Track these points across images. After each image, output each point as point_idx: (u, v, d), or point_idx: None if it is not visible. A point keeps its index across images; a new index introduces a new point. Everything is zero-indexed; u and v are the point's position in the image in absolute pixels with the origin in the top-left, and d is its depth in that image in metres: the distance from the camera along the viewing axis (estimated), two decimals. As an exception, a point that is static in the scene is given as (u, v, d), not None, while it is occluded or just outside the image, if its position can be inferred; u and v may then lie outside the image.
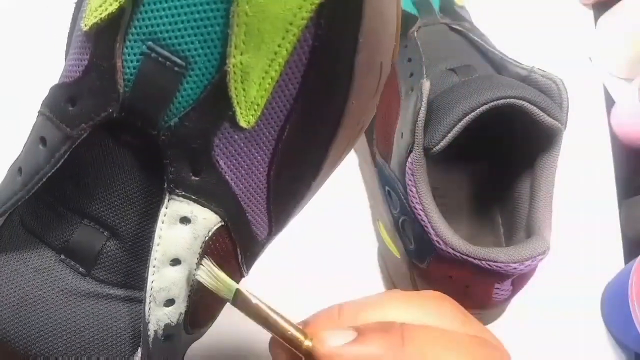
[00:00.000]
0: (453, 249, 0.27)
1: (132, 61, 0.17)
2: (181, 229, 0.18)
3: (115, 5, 0.17)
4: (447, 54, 0.32)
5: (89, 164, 0.19)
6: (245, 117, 0.17)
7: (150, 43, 0.17)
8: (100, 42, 0.17)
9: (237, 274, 0.21)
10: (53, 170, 0.18)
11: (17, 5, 0.42)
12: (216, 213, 0.19)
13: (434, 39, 0.33)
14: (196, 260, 0.19)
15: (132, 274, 0.21)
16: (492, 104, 0.26)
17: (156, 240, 0.18)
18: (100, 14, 0.17)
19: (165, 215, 0.18)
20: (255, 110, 0.17)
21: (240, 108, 0.17)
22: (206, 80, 0.17)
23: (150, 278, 0.18)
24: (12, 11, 0.42)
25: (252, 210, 0.20)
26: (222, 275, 0.19)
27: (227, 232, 0.19)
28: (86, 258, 0.20)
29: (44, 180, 0.18)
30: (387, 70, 0.20)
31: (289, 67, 0.17)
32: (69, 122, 0.18)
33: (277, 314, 0.19)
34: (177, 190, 0.18)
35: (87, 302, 0.20)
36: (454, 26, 0.35)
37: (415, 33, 0.34)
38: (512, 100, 0.26)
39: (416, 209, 0.29)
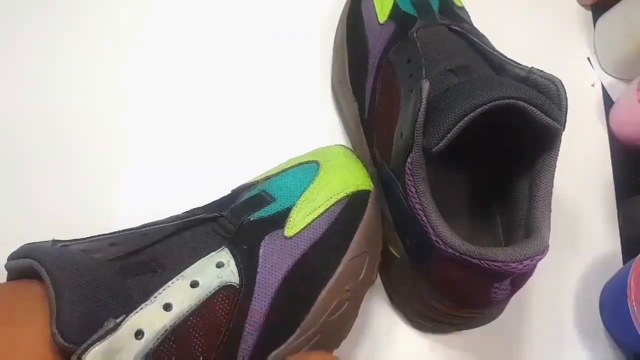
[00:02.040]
0: (452, 249, 0.27)
1: (247, 195, 0.31)
2: (213, 268, 0.26)
3: (254, 180, 0.33)
4: (446, 55, 0.32)
5: (180, 232, 0.28)
6: (289, 231, 0.28)
7: (263, 191, 0.31)
8: (236, 189, 0.33)
9: None
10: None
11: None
12: (239, 275, 0.26)
13: (433, 39, 0.34)
14: (204, 297, 0.24)
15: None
16: (491, 104, 0.26)
17: (194, 265, 0.25)
18: (249, 182, 0.33)
19: (211, 256, 0.26)
20: (295, 230, 0.28)
21: (289, 225, 0.28)
22: (282, 208, 0.29)
23: (172, 280, 0.24)
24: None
25: (256, 308, 0.26)
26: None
27: (232, 300, 0.25)
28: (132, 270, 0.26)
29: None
30: (372, 264, 0.31)
31: (325, 216, 0.29)
32: (191, 211, 0.30)
33: None
34: (230, 246, 0.27)
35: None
36: (453, 27, 0.35)
37: (415, 34, 0.34)
38: (511, 100, 0.26)
39: (416, 209, 0.29)
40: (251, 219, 0.28)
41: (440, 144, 0.27)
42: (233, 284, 0.25)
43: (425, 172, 0.28)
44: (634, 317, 0.34)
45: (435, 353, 0.37)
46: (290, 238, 0.28)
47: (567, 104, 0.28)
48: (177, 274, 0.25)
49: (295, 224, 0.28)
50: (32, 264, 0.22)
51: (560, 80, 0.28)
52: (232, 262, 0.26)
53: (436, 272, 0.30)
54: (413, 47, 0.33)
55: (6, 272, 0.24)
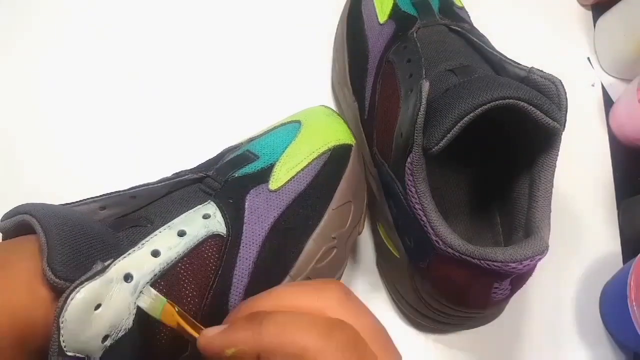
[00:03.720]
0: (452, 249, 0.27)
1: (233, 155, 0.31)
2: (199, 219, 0.26)
3: (239, 143, 0.34)
4: (446, 55, 0.32)
5: (170, 193, 0.29)
6: (274, 184, 0.29)
7: (247, 150, 0.31)
8: (224, 150, 0.34)
9: (195, 310, 0.25)
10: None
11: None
12: (225, 225, 0.27)
13: (434, 39, 0.34)
14: (191, 244, 0.25)
15: None
16: (491, 104, 0.26)
17: (181, 217, 0.26)
18: (236, 144, 0.34)
19: (198, 209, 0.27)
20: (279, 183, 0.29)
21: (273, 179, 0.29)
22: (264, 165, 0.30)
23: (160, 230, 0.25)
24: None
25: (244, 256, 0.27)
26: (158, 294, 0.23)
27: (220, 248, 0.26)
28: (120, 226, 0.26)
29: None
30: (358, 214, 0.32)
31: (308, 169, 0.30)
32: (179, 173, 0.31)
33: (187, 317, 0.22)
34: (215, 199, 0.28)
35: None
36: (453, 27, 0.35)
37: (415, 34, 0.34)
38: (511, 101, 0.26)
39: (415, 209, 0.29)
40: (235, 176, 0.29)
41: (440, 144, 0.27)
42: (220, 233, 0.26)
43: (425, 172, 0.28)
44: (633, 317, 0.34)
45: (435, 353, 0.37)
46: (275, 191, 0.29)
47: (567, 104, 0.28)
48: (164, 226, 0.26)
49: (279, 177, 0.29)
50: (24, 217, 0.23)
51: (560, 80, 0.28)
52: (219, 214, 0.27)
53: (436, 272, 0.30)
54: (413, 47, 0.33)
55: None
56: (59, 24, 0.42)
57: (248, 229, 0.27)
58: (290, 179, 0.29)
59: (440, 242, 0.28)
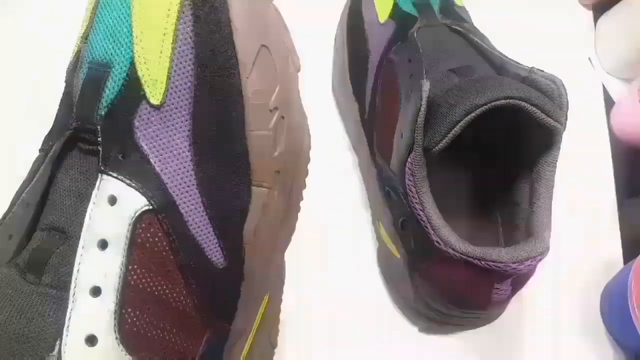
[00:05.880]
0: (453, 249, 0.27)
1: (81, 79, 0.21)
2: (107, 208, 0.19)
3: (76, 49, 0.23)
4: (447, 55, 0.32)
5: (54, 177, 0.22)
6: (154, 94, 0.20)
7: (90, 63, 0.21)
8: (68, 76, 0.23)
9: (180, 297, 0.20)
10: (28, 188, 0.21)
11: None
12: (143, 195, 0.20)
13: (434, 39, 0.34)
14: (124, 246, 0.19)
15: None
16: (492, 104, 0.26)
17: (86, 221, 0.19)
18: (72, 55, 0.23)
19: (96, 195, 0.20)
20: (160, 87, 0.20)
21: (148, 87, 0.20)
22: (124, 72, 0.20)
23: (77, 260, 0.19)
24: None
25: (187, 205, 0.21)
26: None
27: (159, 223, 0.20)
28: (39, 263, 0.20)
29: (23, 197, 0.21)
30: (281, 57, 0.23)
31: (178, 43, 0.20)
32: (43, 147, 0.22)
33: None
34: (107, 169, 0.20)
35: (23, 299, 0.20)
36: (454, 27, 0.35)
37: (415, 34, 0.34)
38: (512, 100, 0.26)
39: (416, 209, 0.29)
40: (104, 113, 0.21)
41: (441, 144, 0.27)
42: (143, 208, 0.20)
43: (426, 172, 0.28)
44: (634, 318, 0.34)
45: (435, 353, 0.37)
46: (162, 104, 0.20)
47: (567, 104, 0.28)
48: (77, 244, 0.19)
49: (154, 80, 0.20)
50: None
51: (561, 80, 0.28)
52: (122, 186, 0.20)
53: (436, 273, 0.30)
54: (413, 47, 0.33)
55: None
56: (56, 23, 0.42)
57: (172, 181, 0.20)
58: (169, 75, 0.20)
59: (441, 243, 0.28)
